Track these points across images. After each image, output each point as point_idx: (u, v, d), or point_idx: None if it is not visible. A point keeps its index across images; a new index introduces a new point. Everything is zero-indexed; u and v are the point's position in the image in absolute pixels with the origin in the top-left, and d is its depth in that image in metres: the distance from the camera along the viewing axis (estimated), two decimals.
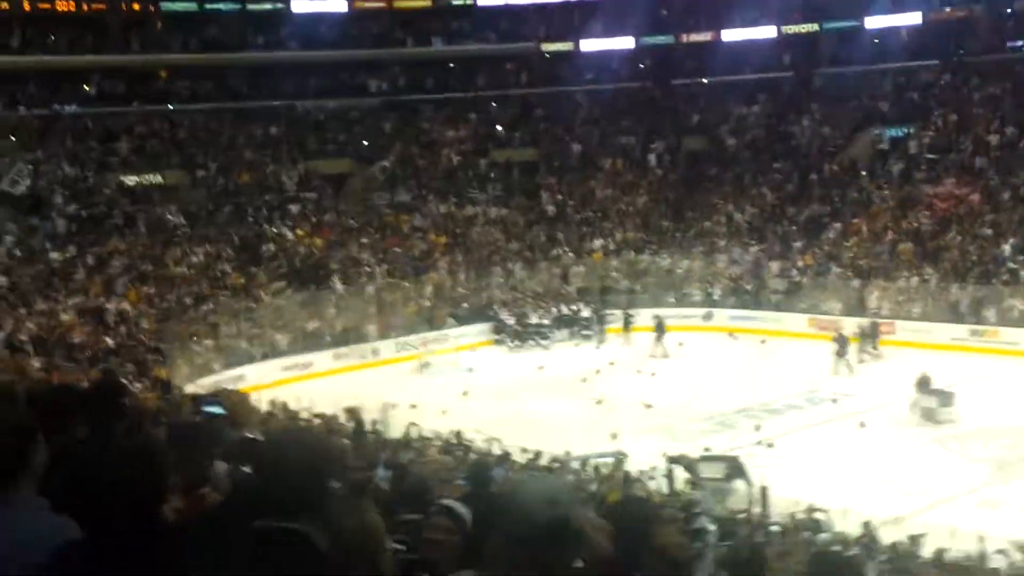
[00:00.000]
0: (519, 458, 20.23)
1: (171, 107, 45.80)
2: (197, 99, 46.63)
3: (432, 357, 35.20)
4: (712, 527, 12.89)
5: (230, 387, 24.95)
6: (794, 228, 41.74)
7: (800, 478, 21.44)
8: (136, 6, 47.02)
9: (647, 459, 21.03)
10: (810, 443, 25.06)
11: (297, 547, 3.05)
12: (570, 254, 42.39)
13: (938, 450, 24.14)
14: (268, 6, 49.20)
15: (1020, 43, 46.89)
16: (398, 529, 4.95)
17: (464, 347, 36.68)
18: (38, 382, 12.90)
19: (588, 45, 52.60)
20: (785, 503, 18.72)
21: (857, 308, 36.20)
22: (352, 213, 42.53)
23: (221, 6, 48.51)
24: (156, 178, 41.34)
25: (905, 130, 45.00)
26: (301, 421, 21.78)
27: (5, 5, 42.72)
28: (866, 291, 36.90)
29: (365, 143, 46.88)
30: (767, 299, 38.73)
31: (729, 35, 51.85)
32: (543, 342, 37.83)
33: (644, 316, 37.41)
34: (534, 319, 38.50)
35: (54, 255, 34.64)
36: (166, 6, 47.33)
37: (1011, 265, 35.26)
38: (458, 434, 22.74)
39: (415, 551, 4.71)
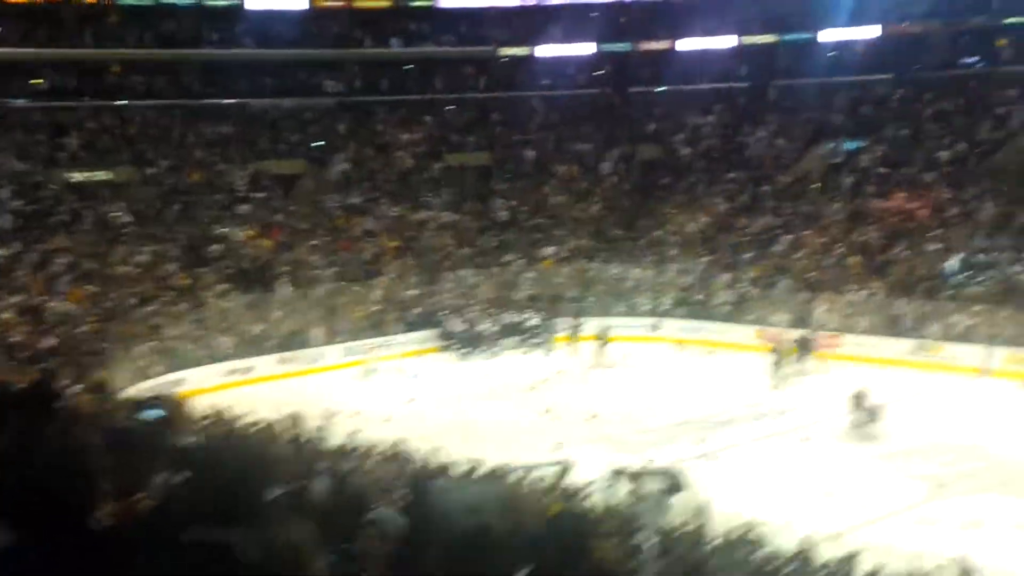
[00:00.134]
0: (463, 467, 20.06)
1: (123, 103, 45.25)
2: (150, 95, 46.14)
3: (378, 363, 34.94)
4: (652, 541, 12.85)
5: (170, 391, 24.73)
6: (745, 239, 41.77)
7: (742, 492, 21.39)
8: None
9: (591, 470, 20.95)
10: (753, 457, 24.99)
11: (226, 558, 2.94)
12: (521, 261, 42.22)
13: (880, 466, 24.13)
14: (225, 2, 48.78)
15: (973, 60, 47.24)
16: (334, 539, 4.81)
17: (411, 353, 36.44)
18: None
19: (545, 51, 52.54)
20: (726, 517, 18.68)
21: (805, 321, 36.26)
22: (302, 214, 42.18)
23: (177, 1, 48.05)
24: (105, 175, 40.84)
25: (858, 144, 45.22)
26: (241, 427, 21.57)
27: None
28: (814, 304, 36.97)
29: (318, 144, 46.53)
30: (716, 310, 38.72)
31: (687, 44, 51.95)
32: (491, 350, 37.66)
33: (593, 325, 37.31)
34: (483, 326, 38.31)
35: None
36: (122, 0, 46.81)
37: (958, 279, 35.44)
38: (401, 442, 22.55)
39: (350, 561, 4.65)
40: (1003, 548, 18.87)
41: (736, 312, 38.25)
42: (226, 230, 39.45)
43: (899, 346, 34.03)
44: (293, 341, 35.68)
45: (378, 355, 35.49)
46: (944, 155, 42.24)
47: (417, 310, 38.84)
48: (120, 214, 38.44)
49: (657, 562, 12.34)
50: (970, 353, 32.33)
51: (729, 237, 42.12)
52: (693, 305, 39.27)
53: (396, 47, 51.65)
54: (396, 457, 21.21)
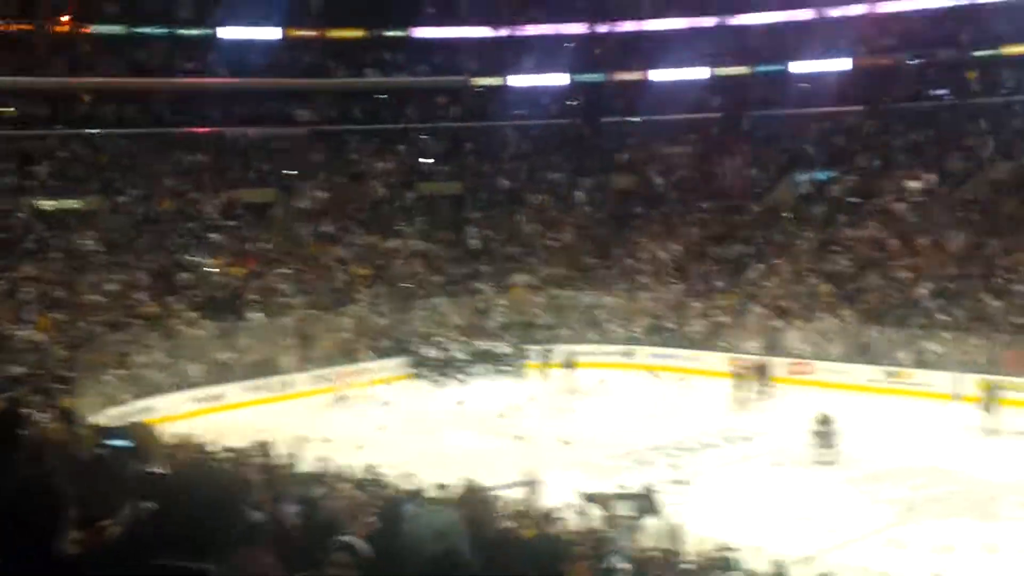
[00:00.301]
0: (433, 494, 19.92)
1: (95, 132, 45.07)
2: (122, 124, 45.99)
3: (348, 390, 34.74)
4: (625, 565, 12.74)
5: (138, 418, 24.49)
6: (717, 268, 41.86)
7: (714, 516, 21.45)
8: (64, 27, 46.39)
9: (563, 495, 20.90)
10: (725, 481, 25.03)
11: None
12: (493, 289, 42.15)
13: (850, 489, 24.19)
14: (197, 31, 48.83)
15: (942, 92, 47.64)
16: (303, 566, 4.86)
17: (381, 380, 36.25)
18: None
19: (518, 81, 52.74)
20: (698, 541, 18.65)
21: (776, 348, 36.34)
22: (274, 243, 42.03)
23: (150, 30, 48.06)
24: (75, 203, 40.62)
25: (829, 174, 45.49)
26: (210, 455, 21.36)
27: None
28: (785, 331, 37.07)
29: (290, 172, 46.46)
30: (688, 338, 38.75)
31: (660, 75, 52.24)
32: (461, 376, 37.53)
33: (563, 352, 37.27)
34: (454, 353, 38.19)
35: None
36: (94, 29, 46.77)
37: (928, 305, 35.63)
38: (372, 469, 22.41)
39: None
40: (974, 572, 18.94)
41: (709, 339, 38.26)
42: (196, 258, 39.21)
43: (869, 372, 34.19)
44: (263, 368, 35.43)
45: (348, 382, 35.29)
46: (914, 185, 42.48)
47: (388, 338, 38.69)
48: (89, 243, 38.17)
49: None
50: (940, 379, 32.50)
51: (701, 265, 42.19)
52: (665, 333, 39.25)
53: (370, 76, 51.72)
54: (367, 484, 21.13)
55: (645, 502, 21.17)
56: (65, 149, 43.50)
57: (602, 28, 53.96)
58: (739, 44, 51.89)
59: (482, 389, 36.08)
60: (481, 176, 49.31)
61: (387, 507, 6.77)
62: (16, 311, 33.07)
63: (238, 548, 3.25)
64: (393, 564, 2.71)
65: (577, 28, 54.06)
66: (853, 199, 43.15)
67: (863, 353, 35.16)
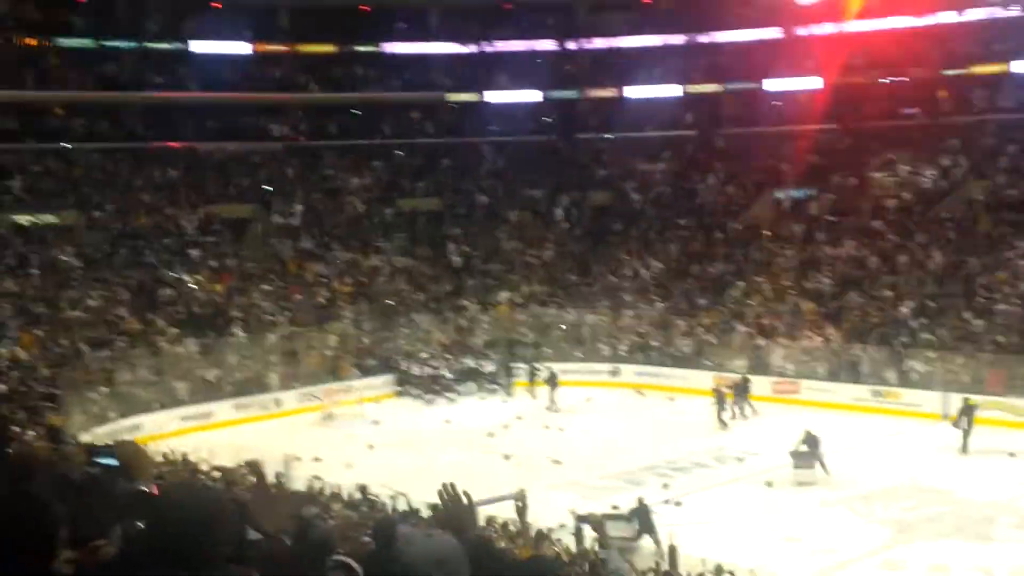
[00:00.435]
0: (425, 514, 19.85)
1: (66, 145, 44.44)
2: (93, 138, 45.39)
3: (336, 408, 34.49)
4: None
5: (126, 437, 24.15)
6: (699, 286, 41.96)
7: (708, 536, 21.42)
8: (32, 41, 45.73)
9: (556, 516, 20.86)
10: (717, 501, 25.02)
11: None
12: (476, 306, 42.03)
13: (844, 510, 24.26)
14: (169, 45, 48.35)
15: (915, 110, 48.07)
16: None
17: (369, 399, 36.05)
18: None
19: (493, 97, 52.70)
20: (693, 562, 18.66)
21: (762, 367, 36.48)
22: (254, 259, 41.66)
23: (119, 43, 47.52)
24: (51, 218, 40.06)
25: (806, 192, 45.76)
26: (200, 474, 21.12)
27: None
28: (770, 350, 37.22)
29: (267, 188, 46.09)
30: (673, 356, 38.80)
31: (634, 92, 52.37)
32: (449, 395, 37.36)
33: (549, 370, 37.22)
34: (440, 371, 38.01)
35: None
36: (63, 42, 46.16)
37: (911, 324, 35.88)
38: (363, 488, 22.29)
39: None
40: None
41: (694, 358, 38.34)
42: (176, 275, 38.77)
43: (857, 391, 34.37)
44: (249, 386, 35.11)
45: (336, 400, 35.05)
46: (891, 203, 42.82)
47: (373, 356, 38.48)
48: (69, 258, 37.65)
49: None
50: (926, 398, 32.73)
51: (683, 283, 42.29)
52: (650, 351, 39.27)
53: (343, 92, 51.45)
54: (359, 503, 21.00)
55: (641, 519, 21.22)
56: (38, 163, 42.86)
57: (572, 45, 53.98)
58: (710, 62, 52.11)
59: (470, 407, 36.06)
60: (459, 192, 49.18)
61: (380, 527, 6.75)
62: None
63: (230, 567, 3.24)
64: None
65: (548, 45, 54.04)
66: (831, 217, 43.39)
67: (849, 372, 35.38)
